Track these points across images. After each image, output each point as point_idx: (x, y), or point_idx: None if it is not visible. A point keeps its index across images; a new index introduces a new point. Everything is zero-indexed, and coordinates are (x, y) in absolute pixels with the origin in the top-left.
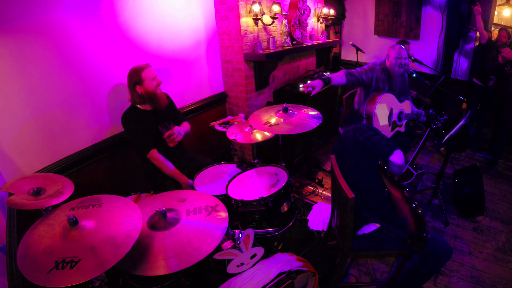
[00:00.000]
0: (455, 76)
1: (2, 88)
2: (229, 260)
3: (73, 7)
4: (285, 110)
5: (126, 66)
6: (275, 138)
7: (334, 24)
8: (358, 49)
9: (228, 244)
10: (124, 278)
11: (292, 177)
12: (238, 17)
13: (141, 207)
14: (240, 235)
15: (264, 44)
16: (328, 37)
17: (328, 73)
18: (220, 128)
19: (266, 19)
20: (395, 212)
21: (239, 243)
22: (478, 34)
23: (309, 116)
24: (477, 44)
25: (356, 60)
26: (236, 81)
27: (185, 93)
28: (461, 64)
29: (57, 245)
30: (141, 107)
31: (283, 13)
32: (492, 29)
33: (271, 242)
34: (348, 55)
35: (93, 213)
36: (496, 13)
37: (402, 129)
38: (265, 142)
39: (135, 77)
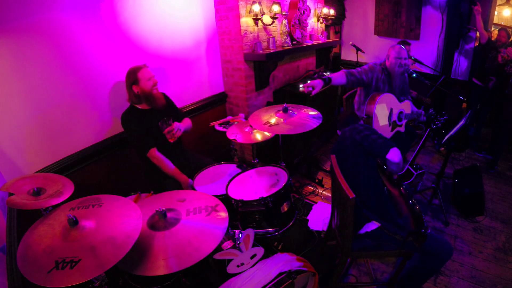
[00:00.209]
0: (455, 76)
1: (2, 88)
2: (229, 260)
3: (73, 7)
4: (285, 110)
5: (126, 66)
6: (275, 138)
7: (334, 24)
8: (358, 49)
9: (228, 244)
10: (124, 278)
11: (292, 177)
12: (238, 17)
13: (141, 207)
14: (240, 235)
15: (264, 44)
16: (328, 37)
17: (328, 73)
18: (220, 128)
19: (266, 19)
20: (396, 210)
21: (239, 243)
22: (478, 34)
23: (309, 116)
24: (477, 44)
25: (356, 60)
26: (236, 81)
27: (185, 93)
28: (461, 64)
29: (57, 245)
30: (139, 107)
31: (283, 13)
32: (492, 29)
33: (271, 242)
34: (348, 55)
35: (93, 213)
36: (496, 13)
37: (402, 129)
38: (265, 142)
39: (131, 77)
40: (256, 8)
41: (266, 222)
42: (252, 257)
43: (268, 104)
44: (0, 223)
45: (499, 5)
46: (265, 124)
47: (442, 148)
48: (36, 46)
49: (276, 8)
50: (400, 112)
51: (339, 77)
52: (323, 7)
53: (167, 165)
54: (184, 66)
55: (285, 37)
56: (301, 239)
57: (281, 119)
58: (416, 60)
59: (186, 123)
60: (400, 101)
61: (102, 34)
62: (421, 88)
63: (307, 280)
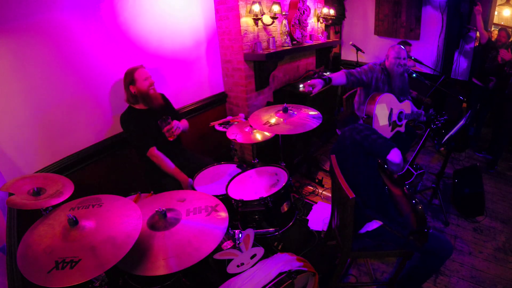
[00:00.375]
0: (455, 76)
1: (2, 88)
2: (229, 260)
3: (73, 7)
4: (285, 110)
5: (126, 66)
6: (275, 138)
7: (334, 24)
8: (358, 49)
9: (228, 244)
10: (124, 278)
11: (292, 177)
12: (238, 17)
13: (141, 207)
14: (240, 235)
15: (264, 44)
16: (328, 37)
17: (328, 73)
18: (220, 128)
19: (266, 19)
20: (397, 210)
21: (239, 243)
22: (478, 34)
23: (309, 116)
24: (477, 44)
25: (356, 60)
26: (236, 81)
27: (185, 93)
28: (461, 64)
29: (57, 245)
30: (137, 107)
31: (283, 13)
32: (492, 29)
33: (271, 242)
34: (348, 55)
35: (93, 213)
36: (496, 13)
37: (402, 129)
38: (265, 142)
39: (128, 77)
40: (256, 8)
41: (266, 222)
42: (252, 257)
43: (268, 104)
44: (0, 223)
45: (499, 5)
46: (265, 124)
47: (442, 148)
48: (36, 46)
49: (276, 8)
50: (400, 112)
51: (339, 77)
52: (323, 7)
53: (167, 164)
54: (184, 66)
55: (285, 37)
56: (301, 239)
57: (281, 119)
58: (416, 60)
59: (184, 123)
60: (400, 101)
61: (102, 34)
62: (421, 88)
63: (307, 280)
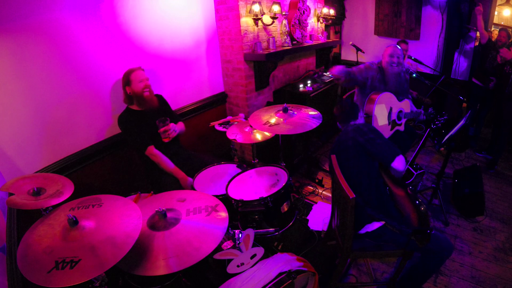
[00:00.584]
0: (455, 76)
1: (2, 88)
2: (229, 260)
3: (73, 7)
4: (285, 110)
5: (126, 66)
6: (275, 138)
7: (334, 24)
8: (358, 49)
9: (228, 244)
10: (124, 278)
11: (292, 177)
12: (238, 17)
13: (141, 207)
14: (240, 235)
15: (264, 44)
16: (328, 37)
17: (328, 73)
18: (220, 128)
19: (266, 19)
20: (397, 210)
21: (239, 243)
22: (478, 34)
23: (309, 116)
24: (477, 44)
25: (356, 60)
26: (236, 81)
27: (185, 93)
28: (461, 64)
29: (57, 245)
30: (133, 108)
31: (283, 13)
32: (492, 29)
33: (271, 242)
34: (348, 55)
35: (93, 213)
36: (496, 13)
37: (401, 128)
38: (265, 142)
39: (125, 78)
40: (256, 8)
41: (266, 222)
42: (252, 257)
43: (268, 104)
44: (0, 223)
45: (499, 5)
46: (265, 124)
47: (442, 148)
48: (36, 46)
49: (276, 8)
50: (400, 111)
51: (338, 68)
52: (323, 7)
53: (166, 163)
54: (184, 66)
55: (285, 37)
56: (301, 239)
57: (281, 119)
58: (416, 60)
59: (180, 126)
60: (400, 100)
61: (102, 34)
62: (421, 88)
63: (307, 280)
